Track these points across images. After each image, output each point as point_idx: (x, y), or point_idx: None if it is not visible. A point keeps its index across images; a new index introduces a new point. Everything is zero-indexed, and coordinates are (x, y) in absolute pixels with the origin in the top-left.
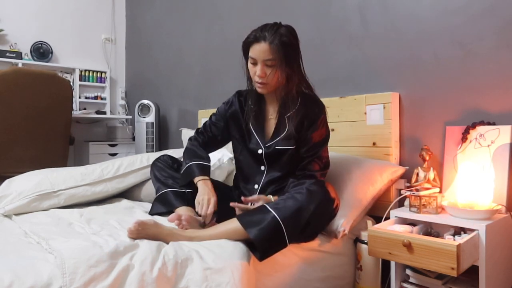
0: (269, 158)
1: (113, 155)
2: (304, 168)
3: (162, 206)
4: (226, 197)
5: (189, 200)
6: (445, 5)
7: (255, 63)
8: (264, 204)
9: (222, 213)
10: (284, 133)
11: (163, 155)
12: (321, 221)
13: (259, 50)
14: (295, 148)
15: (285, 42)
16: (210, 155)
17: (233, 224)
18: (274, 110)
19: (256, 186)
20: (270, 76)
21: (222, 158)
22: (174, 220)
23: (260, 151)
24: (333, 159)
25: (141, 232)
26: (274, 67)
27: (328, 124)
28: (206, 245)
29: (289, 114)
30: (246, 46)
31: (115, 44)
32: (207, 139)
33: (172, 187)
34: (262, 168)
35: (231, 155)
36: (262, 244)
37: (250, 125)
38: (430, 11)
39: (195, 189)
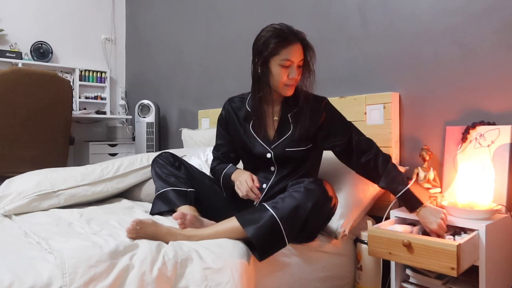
0: (279, 161)
1: (113, 155)
2: (360, 151)
3: (164, 204)
4: (223, 195)
5: (191, 199)
6: (445, 5)
7: (289, 66)
8: (263, 203)
9: (223, 214)
10: (290, 133)
11: (165, 152)
12: (319, 219)
13: (296, 51)
14: (311, 148)
15: (311, 49)
16: (210, 156)
17: (231, 222)
18: (276, 110)
19: (264, 186)
20: (298, 77)
21: None
22: (179, 218)
23: (269, 155)
24: (333, 159)
25: (139, 231)
26: (301, 67)
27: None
28: (206, 245)
29: (292, 112)
30: (278, 48)
31: (115, 44)
32: (223, 161)
33: (175, 185)
34: (272, 168)
35: None
36: (261, 242)
37: (251, 130)
38: (430, 11)
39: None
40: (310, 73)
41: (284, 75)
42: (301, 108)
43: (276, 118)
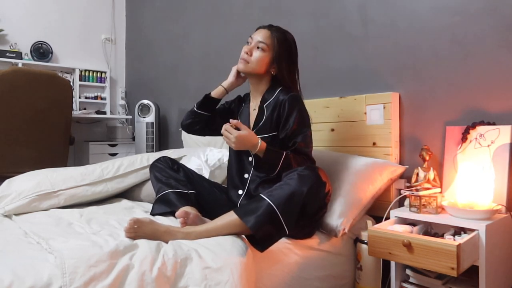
0: None
1: (113, 155)
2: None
3: (165, 206)
4: (222, 198)
5: (192, 201)
6: (445, 4)
7: (249, 42)
8: (259, 194)
9: (218, 214)
10: (262, 121)
11: (162, 157)
12: (315, 205)
13: (259, 32)
14: (275, 135)
15: (283, 40)
16: (210, 156)
17: (229, 216)
18: (256, 102)
19: (246, 176)
20: (255, 57)
21: (222, 158)
22: (181, 216)
23: None
24: (333, 158)
25: (137, 230)
26: (263, 53)
27: (309, 113)
28: (205, 244)
29: (267, 103)
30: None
31: (115, 44)
32: None
33: (176, 187)
34: (250, 159)
35: None
36: (260, 232)
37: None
38: (430, 11)
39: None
40: (278, 61)
41: (243, 50)
42: (275, 99)
43: (255, 109)
